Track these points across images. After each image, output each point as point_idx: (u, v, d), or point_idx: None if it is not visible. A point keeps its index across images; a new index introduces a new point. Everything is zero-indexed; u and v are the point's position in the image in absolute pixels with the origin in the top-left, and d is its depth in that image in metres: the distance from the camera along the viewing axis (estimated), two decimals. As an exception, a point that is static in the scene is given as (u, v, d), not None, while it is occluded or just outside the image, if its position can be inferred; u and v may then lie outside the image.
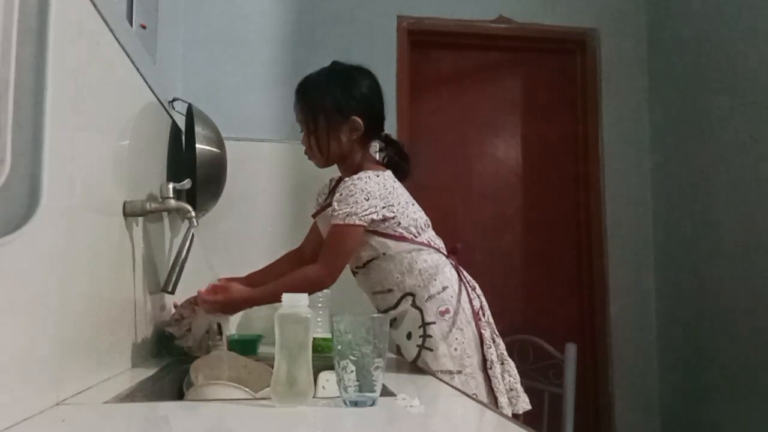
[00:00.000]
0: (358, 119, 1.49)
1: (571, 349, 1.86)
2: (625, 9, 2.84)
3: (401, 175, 1.54)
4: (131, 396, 1.12)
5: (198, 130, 1.96)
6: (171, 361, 1.58)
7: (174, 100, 2.03)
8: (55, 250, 0.97)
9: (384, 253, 1.45)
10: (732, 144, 2.37)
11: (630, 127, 2.79)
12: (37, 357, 0.91)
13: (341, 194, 1.41)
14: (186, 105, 2.04)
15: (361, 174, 1.43)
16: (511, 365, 1.50)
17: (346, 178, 1.44)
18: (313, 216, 1.64)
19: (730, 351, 2.34)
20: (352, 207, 1.38)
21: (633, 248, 2.74)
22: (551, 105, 2.85)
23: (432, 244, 1.50)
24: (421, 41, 2.68)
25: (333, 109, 1.48)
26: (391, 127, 1.60)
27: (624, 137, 2.78)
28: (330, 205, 1.54)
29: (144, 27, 1.68)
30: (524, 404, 1.47)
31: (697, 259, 2.52)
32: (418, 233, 1.48)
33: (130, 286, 1.44)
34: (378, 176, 1.44)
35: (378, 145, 1.60)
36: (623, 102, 2.79)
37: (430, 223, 1.54)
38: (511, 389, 1.46)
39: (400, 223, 1.44)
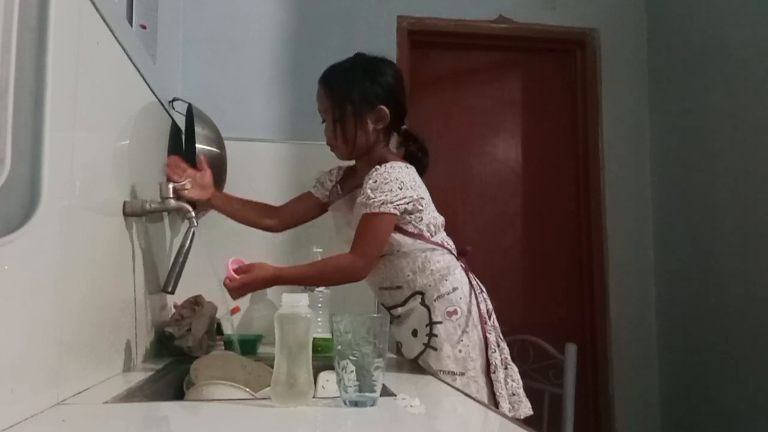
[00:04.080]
0: (385, 108, 1.47)
1: (571, 349, 1.86)
2: (625, 9, 2.83)
3: (421, 171, 1.52)
4: (131, 396, 1.12)
5: (198, 130, 1.96)
6: (171, 361, 1.58)
7: (174, 100, 2.03)
8: (54, 250, 0.97)
9: (398, 250, 1.44)
10: (732, 144, 2.37)
11: (630, 127, 2.79)
12: (37, 357, 0.91)
13: (375, 182, 1.38)
14: (186, 105, 2.04)
15: (392, 163, 1.41)
16: (514, 370, 1.50)
17: (378, 166, 1.41)
18: (329, 206, 1.61)
19: (730, 351, 2.33)
20: (386, 195, 1.36)
21: (633, 248, 2.73)
22: (551, 105, 2.85)
23: (445, 245, 1.50)
24: (421, 41, 2.68)
25: (360, 97, 1.46)
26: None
27: (624, 137, 2.78)
28: (345, 195, 1.54)
29: (144, 27, 1.68)
30: (526, 409, 1.47)
31: (697, 259, 2.52)
32: (435, 232, 1.48)
33: (130, 286, 1.44)
34: (408, 168, 1.43)
35: (396, 141, 1.58)
36: (623, 102, 2.79)
37: (444, 225, 1.54)
38: (514, 394, 1.46)
39: (422, 219, 1.44)
